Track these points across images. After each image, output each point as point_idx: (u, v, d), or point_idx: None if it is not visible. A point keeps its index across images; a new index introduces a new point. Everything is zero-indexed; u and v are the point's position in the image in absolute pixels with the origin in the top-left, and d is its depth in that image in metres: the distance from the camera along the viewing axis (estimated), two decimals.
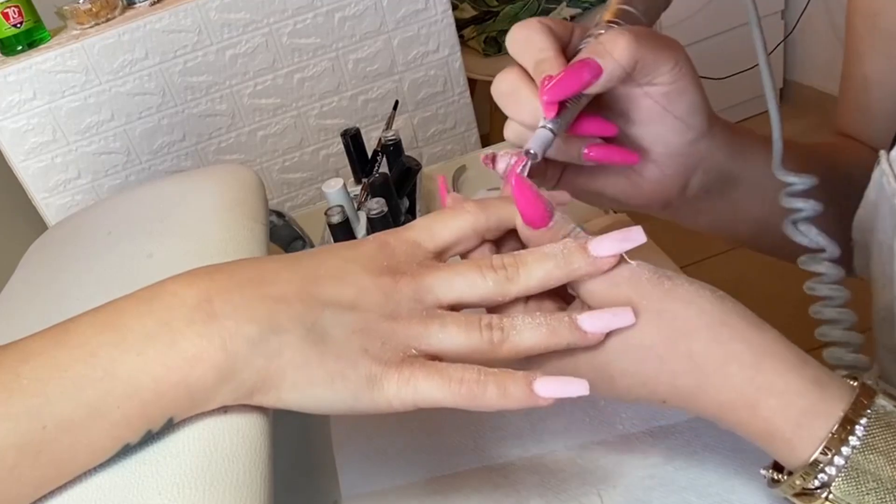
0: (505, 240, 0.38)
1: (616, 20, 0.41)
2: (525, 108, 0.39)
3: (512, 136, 0.41)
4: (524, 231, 0.35)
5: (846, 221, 0.44)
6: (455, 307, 0.33)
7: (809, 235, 0.40)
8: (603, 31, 0.39)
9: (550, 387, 0.31)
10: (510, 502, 0.44)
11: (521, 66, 0.40)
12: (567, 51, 0.40)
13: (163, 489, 0.29)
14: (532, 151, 0.37)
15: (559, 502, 0.43)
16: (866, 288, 0.45)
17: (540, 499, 0.43)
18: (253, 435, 0.32)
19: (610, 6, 0.42)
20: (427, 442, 0.49)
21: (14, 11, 1.26)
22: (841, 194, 0.45)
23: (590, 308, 0.34)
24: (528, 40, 0.39)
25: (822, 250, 0.40)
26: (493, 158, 0.39)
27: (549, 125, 0.37)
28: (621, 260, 0.33)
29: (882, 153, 0.41)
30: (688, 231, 0.48)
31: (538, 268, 0.33)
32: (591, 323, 0.32)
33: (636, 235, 0.33)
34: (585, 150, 0.40)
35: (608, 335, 0.33)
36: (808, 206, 0.40)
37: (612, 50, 0.37)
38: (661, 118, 0.40)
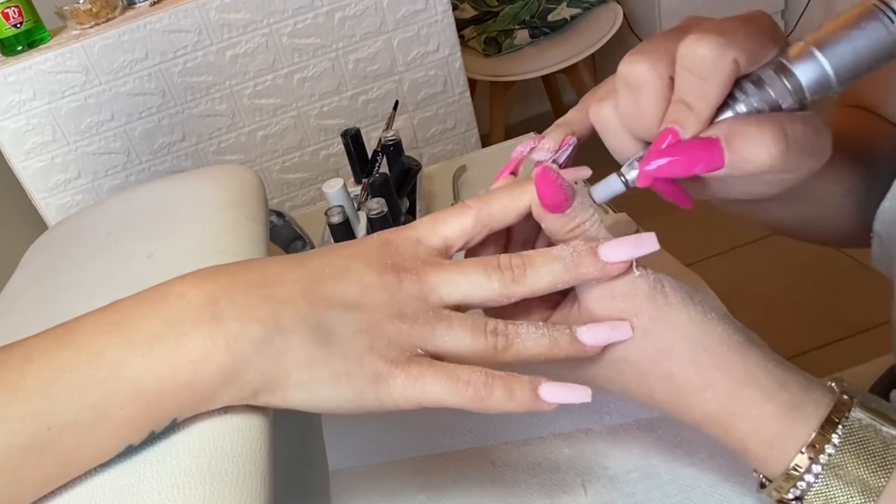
0: (513, 241, 0.38)
1: (790, 79, 0.31)
2: (639, 114, 0.34)
3: (599, 119, 0.36)
4: (539, 212, 0.34)
5: (870, 206, 0.43)
6: (459, 308, 0.33)
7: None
8: (767, 92, 0.32)
9: (555, 392, 0.31)
10: (497, 488, 0.44)
11: (670, 63, 0.32)
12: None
13: (163, 489, 0.29)
14: (597, 200, 0.35)
15: (545, 492, 0.43)
16: (887, 282, 0.44)
17: (526, 487, 0.44)
18: (253, 435, 0.32)
19: (807, 40, 0.32)
20: (415, 420, 0.49)
21: (14, 11, 1.26)
22: (870, 176, 0.44)
23: (585, 310, 0.35)
24: (705, 75, 0.31)
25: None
26: (533, 149, 0.37)
27: (628, 179, 0.34)
28: (631, 266, 0.33)
29: None
30: (689, 231, 0.48)
31: (546, 270, 0.33)
32: (591, 336, 0.33)
33: (649, 242, 0.32)
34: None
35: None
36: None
37: (749, 154, 0.31)
38: (742, 182, 0.35)
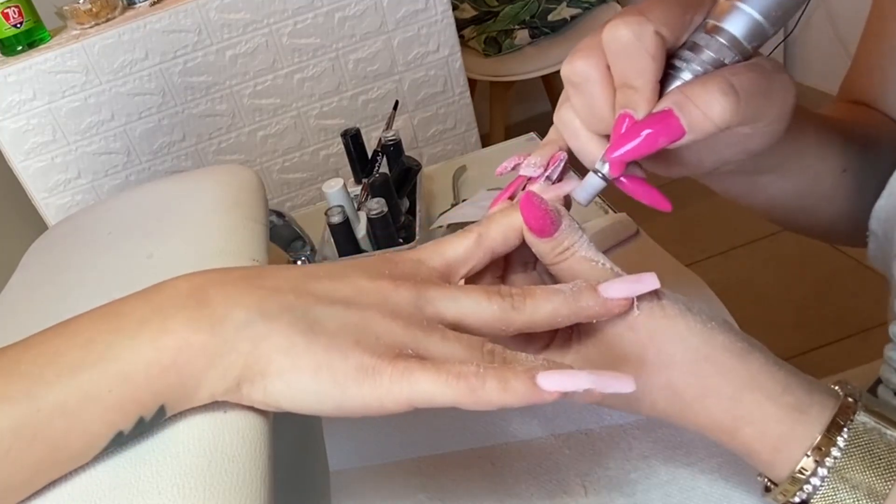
0: (511, 267, 0.38)
1: (723, 35, 0.32)
2: (591, 108, 0.35)
3: (561, 123, 0.36)
4: (530, 238, 0.35)
5: (866, 195, 0.43)
6: (456, 327, 0.32)
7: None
8: (707, 56, 0.33)
9: (555, 379, 0.28)
10: (497, 488, 0.44)
11: (604, 55, 0.34)
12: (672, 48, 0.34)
13: (163, 489, 0.29)
14: (582, 203, 0.35)
15: (545, 492, 0.43)
16: (887, 282, 0.44)
17: (526, 487, 0.44)
18: (253, 435, 0.32)
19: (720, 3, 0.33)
20: (414, 421, 0.49)
21: (14, 11, 1.26)
22: (867, 157, 0.44)
23: (583, 327, 0.35)
24: (632, 53, 0.32)
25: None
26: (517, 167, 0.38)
27: (604, 173, 0.34)
28: (631, 304, 0.33)
29: None
30: (689, 231, 0.48)
31: (545, 302, 0.32)
32: (592, 381, 0.29)
33: (649, 281, 0.33)
34: (623, 179, 0.35)
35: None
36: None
37: (702, 113, 0.31)
38: (726, 143, 0.35)
